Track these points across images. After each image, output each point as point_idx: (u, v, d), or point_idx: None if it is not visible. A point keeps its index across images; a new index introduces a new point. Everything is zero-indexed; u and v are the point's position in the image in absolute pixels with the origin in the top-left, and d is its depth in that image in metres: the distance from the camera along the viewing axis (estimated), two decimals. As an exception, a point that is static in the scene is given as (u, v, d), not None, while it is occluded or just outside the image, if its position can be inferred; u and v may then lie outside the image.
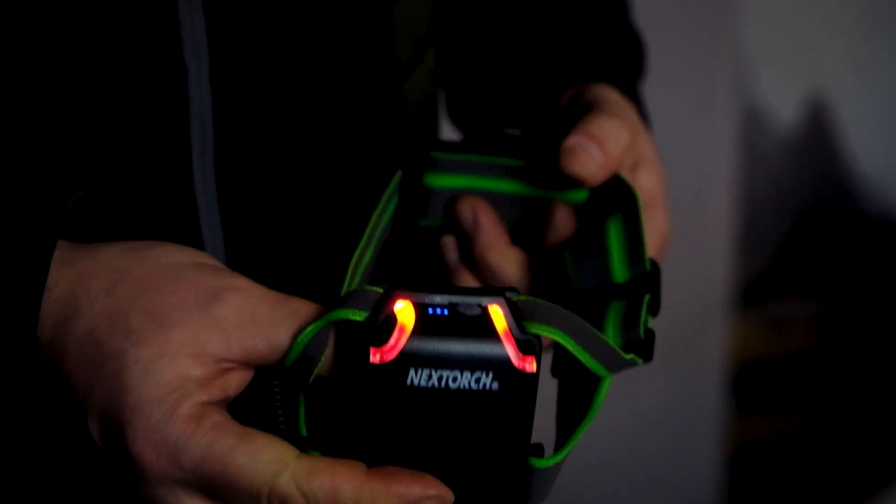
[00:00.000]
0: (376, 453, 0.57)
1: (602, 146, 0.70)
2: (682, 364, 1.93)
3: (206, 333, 0.57)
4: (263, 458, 0.55)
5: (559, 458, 0.59)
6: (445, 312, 0.57)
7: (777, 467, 2.02)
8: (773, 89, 1.95)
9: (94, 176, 0.68)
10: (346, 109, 0.75)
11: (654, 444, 1.94)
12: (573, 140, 0.70)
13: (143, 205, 0.69)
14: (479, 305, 0.57)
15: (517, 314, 0.57)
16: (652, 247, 0.71)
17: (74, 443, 0.62)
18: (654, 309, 0.68)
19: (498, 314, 0.57)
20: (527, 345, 0.56)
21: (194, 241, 0.70)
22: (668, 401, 1.93)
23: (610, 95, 0.74)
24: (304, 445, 0.58)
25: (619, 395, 1.99)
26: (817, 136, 1.98)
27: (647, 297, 0.67)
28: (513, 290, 0.58)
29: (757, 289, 1.98)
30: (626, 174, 0.72)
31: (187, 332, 0.57)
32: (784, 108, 1.96)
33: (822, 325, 2.01)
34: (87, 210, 0.63)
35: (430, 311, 0.56)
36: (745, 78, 1.92)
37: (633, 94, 0.79)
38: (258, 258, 0.71)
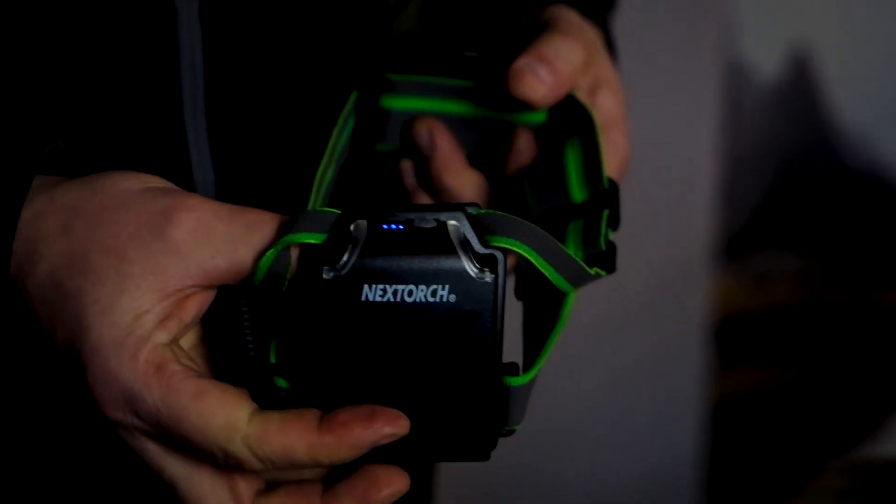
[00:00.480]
0: (339, 379, 0.57)
1: (553, 67, 0.69)
2: (665, 318, 1.93)
3: (164, 260, 0.57)
4: (215, 421, 0.55)
5: (532, 374, 0.59)
6: (401, 228, 0.56)
7: (760, 420, 2.03)
8: (757, 44, 1.94)
9: (83, 120, 0.67)
10: (335, 49, 0.75)
11: (638, 399, 1.95)
12: (522, 62, 0.69)
13: (134, 147, 0.68)
14: (436, 219, 0.56)
15: (478, 227, 0.57)
16: (611, 169, 0.71)
17: (47, 380, 0.63)
18: (614, 223, 0.67)
19: (455, 227, 0.56)
20: (487, 258, 0.56)
21: (185, 182, 0.69)
22: (651, 354, 1.94)
23: (566, 15, 0.73)
24: (269, 372, 0.58)
25: (602, 349, 2.01)
26: (801, 90, 1.98)
27: (607, 212, 0.66)
28: (473, 204, 0.58)
29: (740, 242, 1.99)
30: (582, 96, 0.71)
31: (145, 265, 0.57)
32: (767, 63, 1.96)
33: (804, 278, 2.01)
34: (69, 159, 0.63)
35: (386, 227, 0.56)
36: (729, 33, 1.92)
37: (598, 21, 0.78)
38: (249, 197, 0.70)
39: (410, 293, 0.56)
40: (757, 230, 2.00)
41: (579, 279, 0.62)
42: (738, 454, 2.04)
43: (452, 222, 0.56)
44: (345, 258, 0.55)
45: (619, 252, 0.66)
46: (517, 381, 0.58)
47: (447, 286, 0.56)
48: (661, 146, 1.83)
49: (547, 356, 0.60)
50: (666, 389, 1.97)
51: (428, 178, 0.74)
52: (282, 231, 0.57)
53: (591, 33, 0.73)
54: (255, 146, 0.73)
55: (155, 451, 0.58)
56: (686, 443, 2.00)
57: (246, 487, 0.59)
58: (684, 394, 1.99)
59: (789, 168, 2.00)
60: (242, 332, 0.60)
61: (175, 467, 0.58)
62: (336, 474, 0.59)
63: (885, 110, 1.97)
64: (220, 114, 0.70)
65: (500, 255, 0.56)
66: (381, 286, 0.55)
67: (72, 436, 0.73)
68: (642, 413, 1.95)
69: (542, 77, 0.70)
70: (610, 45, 0.78)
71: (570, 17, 0.73)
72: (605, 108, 0.72)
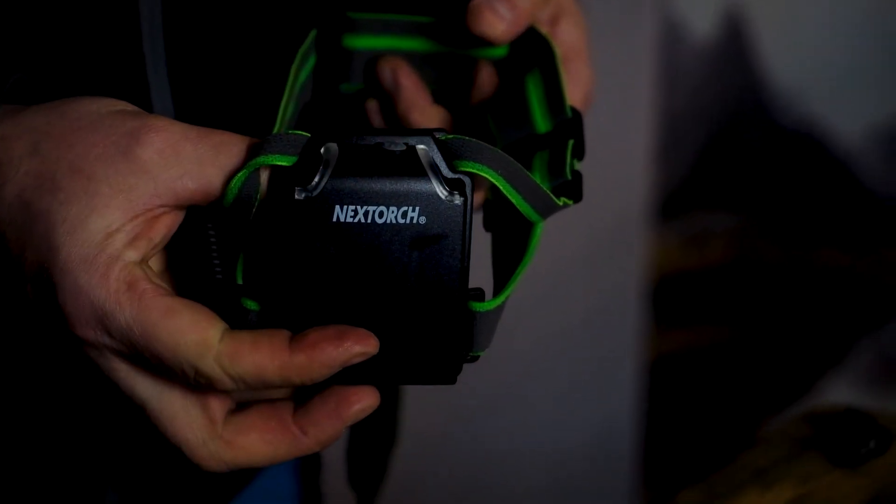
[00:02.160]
0: (309, 300, 0.57)
1: (511, 3, 0.69)
2: (601, 277, 1.93)
3: (133, 180, 0.57)
4: (186, 339, 0.55)
5: (500, 300, 0.60)
6: (371, 151, 0.57)
7: (696, 379, 2.04)
8: (691, 3, 1.94)
9: (42, 51, 0.67)
10: None
11: (575, 357, 1.95)
12: None
13: (94, 79, 0.68)
14: (406, 143, 0.57)
15: (446, 152, 0.57)
16: (574, 100, 0.71)
17: (12, 304, 0.62)
18: (579, 153, 0.67)
19: (423, 151, 0.57)
20: (456, 182, 0.57)
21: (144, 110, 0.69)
22: (587, 313, 1.94)
23: None
24: (238, 293, 0.58)
25: (538, 309, 1.99)
26: (734, 49, 1.98)
27: (571, 142, 0.67)
28: (441, 130, 0.58)
29: (675, 201, 1.99)
30: (543, 28, 0.71)
31: (114, 184, 0.56)
32: (701, 22, 1.96)
33: (739, 237, 2.02)
34: (28, 92, 0.62)
35: (356, 150, 0.57)
36: (663, -9, 1.92)
37: None
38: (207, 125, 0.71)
39: (381, 214, 0.56)
40: (692, 189, 2.00)
41: (546, 208, 0.62)
42: (675, 414, 2.04)
43: (421, 146, 0.57)
44: (316, 179, 0.56)
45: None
46: (482, 306, 0.59)
47: (417, 208, 0.56)
48: (596, 105, 1.82)
49: (514, 286, 0.61)
50: (603, 348, 1.97)
51: (394, 116, 0.74)
52: (251, 153, 0.57)
53: None
54: (215, 77, 0.72)
55: (125, 371, 0.58)
56: (623, 401, 2.00)
57: (218, 406, 0.59)
58: (621, 354, 1.99)
59: (723, 127, 2.00)
60: (209, 256, 0.60)
61: (145, 387, 0.58)
62: (300, 396, 0.60)
63: (818, 70, 1.98)
64: (178, 43, 0.70)
65: (467, 180, 0.57)
66: (352, 207, 0.56)
67: (40, 362, 0.73)
68: (579, 372, 1.95)
69: (500, 13, 0.70)
70: None
71: None
72: (567, 38, 0.73)
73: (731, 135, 2.00)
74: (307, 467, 0.95)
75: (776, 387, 2.05)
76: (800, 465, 0.84)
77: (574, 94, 0.71)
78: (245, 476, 0.87)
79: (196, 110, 0.71)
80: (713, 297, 2.03)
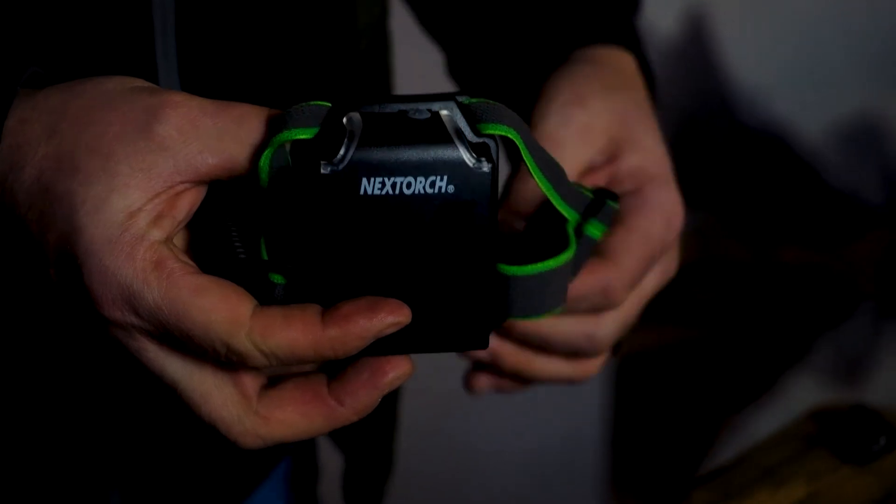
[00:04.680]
0: (337, 274, 0.56)
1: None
2: (569, 277, 1.93)
3: (152, 158, 0.56)
4: (217, 317, 0.54)
5: (539, 267, 0.60)
6: (395, 119, 0.55)
7: (662, 379, 2.05)
8: (654, 2, 1.95)
9: (55, 50, 0.67)
10: None
11: (542, 358, 1.94)
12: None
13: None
14: (429, 110, 0.56)
15: (469, 116, 0.56)
16: (655, 229, 0.69)
17: (36, 289, 0.61)
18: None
19: (448, 117, 0.56)
20: (481, 146, 0.56)
21: None
22: (554, 314, 1.93)
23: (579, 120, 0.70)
24: (264, 269, 0.57)
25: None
26: (697, 48, 1.99)
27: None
28: (463, 93, 0.57)
29: (640, 201, 1.99)
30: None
31: (133, 163, 0.56)
32: (663, 20, 1.97)
33: (704, 235, 2.03)
34: (44, 85, 0.61)
35: (380, 119, 0.55)
36: (626, -10, 1.92)
37: (628, 33, 0.77)
38: None
39: (409, 185, 0.55)
40: (656, 188, 2.00)
41: (557, 181, 0.62)
42: (642, 411, 2.05)
43: (445, 112, 0.56)
44: (342, 152, 0.54)
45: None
46: (513, 269, 0.59)
47: (445, 176, 0.55)
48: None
49: (568, 254, 0.62)
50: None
51: None
52: (272, 126, 0.56)
53: (619, 103, 0.72)
54: (224, 65, 0.72)
55: (154, 352, 0.57)
56: (590, 399, 2.00)
57: (251, 382, 0.58)
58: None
59: (687, 126, 2.01)
60: (229, 236, 0.59)
61: (176, 367, 0.57)
62: (329, 369, 0.59)
63: (781, 68, 1.99)
64: (189, 32, 0.70)
65: (492, 143, 0.56)
66: (379, 179, 0.55)
67: (66, 345, 0.72)
68: (546, 373, 1.95)
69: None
70: (641, 56, 0.77)
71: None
72: (630, 167, 0.71)
73: (696, 133, 2.01)
74: (303, 482, 0.95)
75: (741, 384, 2.06)
76: (808, 462, 0.84)
77: (653, 224, 0.70)
78: (243, 490, 0.86)
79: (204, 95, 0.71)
80: (678, 295, 2.04)
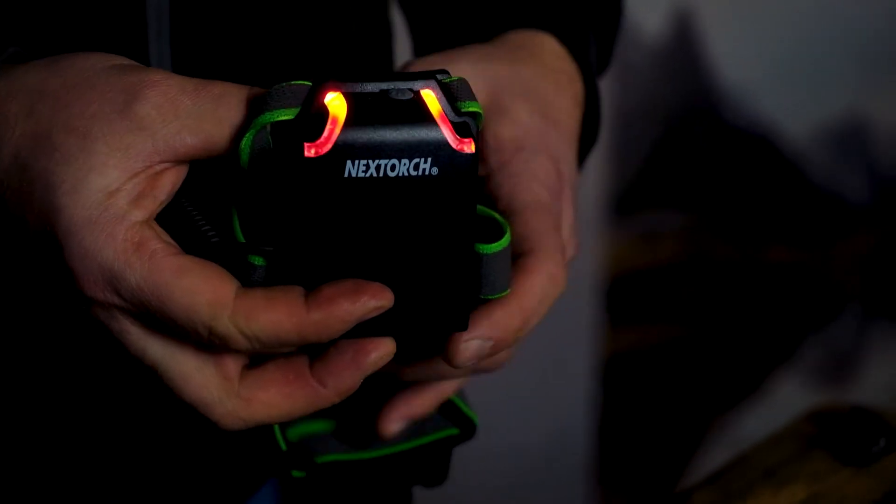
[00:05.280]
0: (319, 255, 0.55)
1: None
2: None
3: (130, 138, 0.55)
4: (200, 299, 0.54)
5: (505, 242, 0.59)
6: (377, 100, 0.55)
7: (648, 377, 2.05)
8: (641, 2, 1.95)
9: (38, 30, 0.66)
10: None
11: (528, 356, 1.95)
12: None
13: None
14: (411, 90, 0.56)
15: (450, 96, 0.56)
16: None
17: (19, 267, 0.61)
18: None
19: (431, 97, 0.56)
20: (463, 126, 0.55)
21: None
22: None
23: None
24: (242, 251, 0.56)
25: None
26: (683, 48, 1.99)
27: None
28: (443, 71, 0.57)
29: (627, 200, 1.99)
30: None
31: (111, 142, 0.55)
32: (650, 21, 1.97)
33: (690, 235, 2.03)
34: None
35: (362, 99, 0.55)
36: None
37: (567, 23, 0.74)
38: None
39: (393, 167, 0.54)
40: (643, 188, 2.01)
41: None
42: (628, 411, 2.05)
43: (427, 91, 0.56)
44: (325, 134, 0.54)
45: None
46: (489, 248, 0.59)
47: (429, 159, 0.55)
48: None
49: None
50: (557, 347, 1.97)
51: None
52: (253, 108, 0.55)
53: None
54: (217, 46, 0.72)
55: (136, 333, 0.57)
56: (577, 399, 2.00)
57: (233, 364, 0.58)
58: (575, 352, 1.99)
59: (674, 126, 2.01)
60: (188, 215, 0.58)
61: (157, 348, 0.57)
62: (310, 351, 0.59)
63: (767, 69, 2.00)
64: (185, 55, 0.69)
65: (472, 123, 0.56)
66: (363, 161, 0.54)
67: (50, 324, 0.71)
68: (533, 371, 1.95)
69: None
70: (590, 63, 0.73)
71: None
72: (498, 139, 0.66)
73: (682, 133, 2.01)
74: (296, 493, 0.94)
75: (728, 383, 2.06)
76: (808, 464, 0.85)
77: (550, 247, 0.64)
78: (238, 498, 0.86)
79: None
80: (665, 295, 2.04)
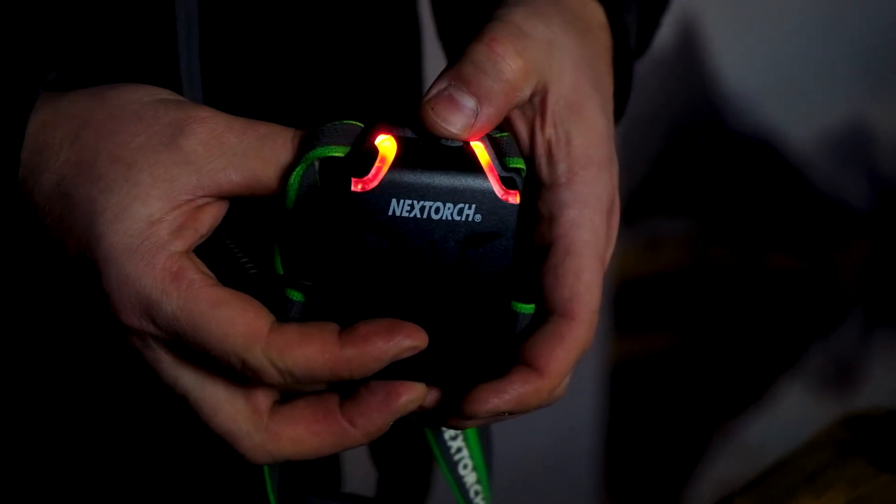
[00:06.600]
0: (356, 293, 0.56)
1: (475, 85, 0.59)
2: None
3: (175, 170, 0.56)
4: (235, 330, 0.54)
5: (532, 307, 0.60)
6: (427, 146, 0.56)
7: (654, 385, 2.05)
8: (643, 9, 1.95)
9: (79, 51, 0.66)
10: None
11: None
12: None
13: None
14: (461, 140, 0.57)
15: (498, 150, 0.57)
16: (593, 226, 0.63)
17: (54, 291, 0.61)
18: None
19: (480, 148, 0.57)
20: (508, 180, 0.56)
21: None
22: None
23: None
24: (281, 283, 0.57)
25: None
26: (687, 55, 2.00)
27: None
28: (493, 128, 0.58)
29: (630, 207, 2.00)
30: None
31: (156, 173, 0.55)
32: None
33: (694, 241, 2.03)
34: (67, 89, 0.60)
35: (412, 144, 0.56)
36: (616, -3, 1.92)
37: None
38: None
39: (437, 210, 0.55)
40: (646, 195, 2.01)
41: None
42: (635, 417, 2.05)
43: (477, 143, 0.57)
44: (373, 171, 0.55)
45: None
46: (525, 308, 0.59)
47: (474, 206, 0.56)
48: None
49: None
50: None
51: None
52: (303, 144, 0.56)
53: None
54: (246, 77, 0.72)
55: (169, 362, 0.57)
56: (584, 406, 2.00)
57: (263, 398, 0.58)
58: (580, 360, 1.99)
59: (677, 133, 2.01)
60: (226, 248, 0.59)
61: (189, 378, 0.57)
62: (341, 389, 0.59)
63: (771, 75, 2.00)
64: (213, 44, 0.70)
65: (519, 179, 0.57)
66: (408, 201, 0.55)
67: (81, 348, 0.72)
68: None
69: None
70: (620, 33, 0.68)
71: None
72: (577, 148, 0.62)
73: (685, 140, 2.02)
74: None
75: (733, 390, 2.07)
76: (846, 469, 0.85)
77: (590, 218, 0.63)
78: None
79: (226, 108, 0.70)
80: (668, 301, 2.04)
